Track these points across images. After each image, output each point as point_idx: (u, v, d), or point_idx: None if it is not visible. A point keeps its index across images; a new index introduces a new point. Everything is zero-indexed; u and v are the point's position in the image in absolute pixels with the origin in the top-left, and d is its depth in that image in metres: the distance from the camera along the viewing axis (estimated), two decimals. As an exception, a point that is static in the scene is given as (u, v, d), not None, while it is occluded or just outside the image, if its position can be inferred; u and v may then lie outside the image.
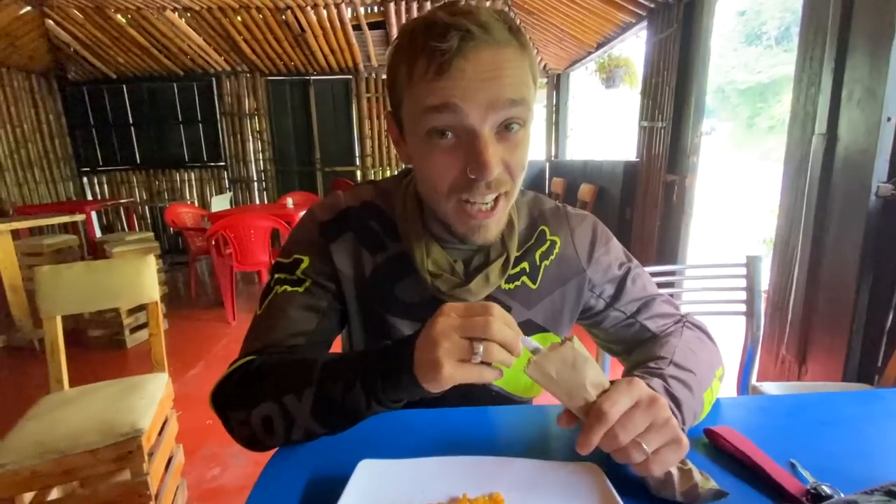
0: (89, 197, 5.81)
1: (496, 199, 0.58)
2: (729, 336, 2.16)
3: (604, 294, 0.73)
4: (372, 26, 4.90)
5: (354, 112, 5.77)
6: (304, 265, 0.66)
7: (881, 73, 1.55)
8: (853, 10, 1.68)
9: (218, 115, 5.69)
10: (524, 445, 0.56)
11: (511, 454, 0.52)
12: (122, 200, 5.47)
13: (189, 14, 4.67)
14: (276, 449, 0.56)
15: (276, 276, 0.67)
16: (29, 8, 4.37)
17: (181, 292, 4.41)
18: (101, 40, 4.94)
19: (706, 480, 0.45)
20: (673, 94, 3.13)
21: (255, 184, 5.90)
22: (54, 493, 1.27)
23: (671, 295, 1.26)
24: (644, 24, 3.53)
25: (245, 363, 0.60)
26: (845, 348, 1.73)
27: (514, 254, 0.67)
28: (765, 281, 1.27)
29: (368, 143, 5.82)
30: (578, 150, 6.44)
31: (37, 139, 5.29)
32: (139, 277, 1.54)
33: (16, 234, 3.13)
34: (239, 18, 4.72)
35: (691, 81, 2.99)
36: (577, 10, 3.95)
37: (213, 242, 3.36)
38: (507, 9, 4.62)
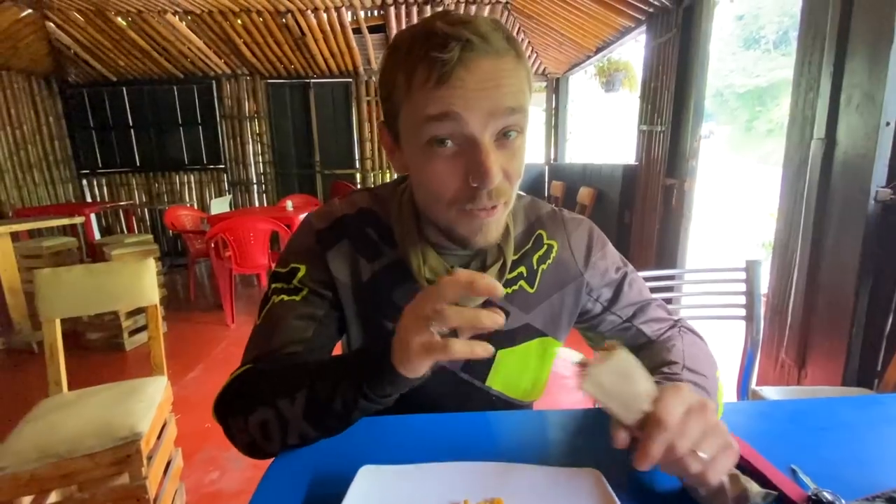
0: (88, 199, 5.80)
1: (496, 204, 0.58)
2: (728, 340, 2.17)
3: (601, 298, 0.73)
4: (372, 30, 4.92)
5: (354, 115, 5.78)
6: (300, 274, 0.66)
7: (880, 77, 1.56)
8: (852, 14, 1.68)
9: (218, 118, 5.69)
10: (525, 451, 0.56)
11: (512, 460, 0.52)
12: (122, 203, 5.47)
13: (189, 17, 4.68)
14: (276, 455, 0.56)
15: (274, 285, 0.67)
16: (30, 10, 4.38)
17: (180, 295, 4.40)
18: (101, 43, 4.95)
19: (752, 484, 0.44)
20: (672, 98, 3.14)
21: (255, 186, 5.90)
22: (53, 497, 1.27)
23: (670, 300, 1.27)
24: (643, 28, 3.54)
25: (243, 372, 0.61)
26: (845, 352, 1.73)
27: (510, 258, 0.67)
28: (764, 285, 1.27)
29: (368, 146, 5.83)
30: (578, 153, 6.45)
31: (37, 141, 5.29)
32: (139, 280, 1.53)
33: (15, 237, 3.13)
34: (239, 22, 4.73)
35: (690, 85, 3.00)
36: (576, 15, 3.96)
37: (213, 245, 3.36)
38: (506, 13, 4.63)
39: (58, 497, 1.29)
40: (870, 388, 1.60)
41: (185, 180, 5.89)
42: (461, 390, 0.70)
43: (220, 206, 5.11)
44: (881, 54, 1.56)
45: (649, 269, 1.23)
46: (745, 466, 0.50)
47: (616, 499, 0.44)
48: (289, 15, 4.59)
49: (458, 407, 0.67)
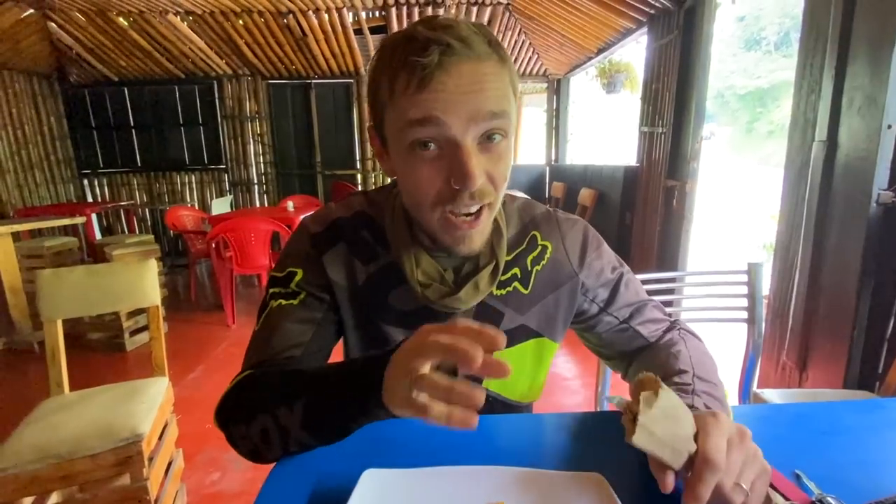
0: (90, 199, 5.80)
1: (479, 210, 0.58)
2: (729, 343, 2.17)
3: (597, 298, 0.73)
4: (373, 30, 4.92)
5: (355, 116, 5.78)
6: (297, 278, 0.66)
7: (882, 80, 1.56)
8: (854, 16, 1.68)
9: (219, 118, 5.69)
10: (528, 454, 0.56)
11: (515, 463, 0.51)
12: (123, 203, 5.47)
13: (191, 17, 4.68)
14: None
15: (272, 290, 0.67)
16: (32, 11, 4.38)
17: (181, 295, 4.40)
18: (103, 43, 4.95)
19: (777, 496, 0.44)
20: (673, 99, 3.14)
21: (256, 187, 5.90)
22: (53, 498, 1.27)
23: (671, 302, 1.27)
24: (644, 29, 3.54)
25: (243, 378, 0.61)
26: (846, 355, 1.73)
27: (503, 260, 0.67)
28: (765, 287, 1.27)
29: (369, 146, 5.82)
30: (579, 154, 6.45)
31: (38, 141, 5.29)
32: (141, 281, 1.53)
33: (16, 236, 3.13)
34: (241, 22, 4.73)
35: (692, 87, 3.00)
36: (577, 16, 3.96)
37: (214, 245, 3.36)
38: (507, 14, 4.64)
39: (59, 498, 1.29)
40: (871, 392, 1.60)
41: (186, 180, 5.89)
42: None
43: (221, 206, 5.11)
44: (883, 57, 1.56)
45: (650, 272, 1.23)
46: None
47: (620, 503, 0.44)
48: (290, 15, 4.60)
49: None
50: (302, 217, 0.73)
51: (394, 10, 4.47)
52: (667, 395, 0.45)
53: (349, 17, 4.68)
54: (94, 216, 4.83)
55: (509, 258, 0.69)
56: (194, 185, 5.91)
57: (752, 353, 1.27)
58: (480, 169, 0.54)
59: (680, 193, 3.12)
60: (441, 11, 4.45)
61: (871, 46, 1.61)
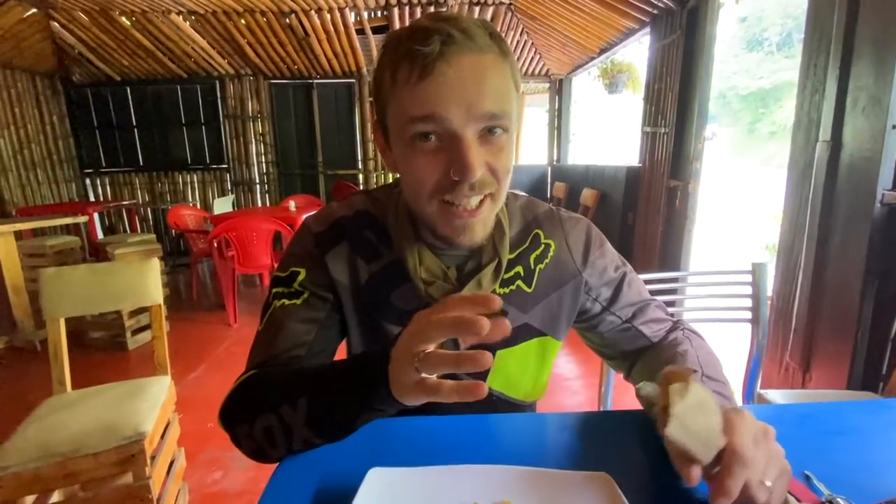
0: (92, 198, 5.82)
1: (481, 201, 0.58)
2: (731, 343, 2.16)
3: (600, 297, 0.73)
4: (375, 30, 4.92)
5: (357, 116, 5.79)
6: (300, 277, 0.66)
7: (886, 80, 1.55)
8: (858, 16, 1.68)
9: (221, 118, 5.70)
10: (534, 454, 0.56)
11: (521, 463, 0.51)
12: (125, 202, 5.48)
13: (193, 17, 4.69)
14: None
15: (275, 290, 0.67)
16: (34, 10, 4.39)
17: (182, 294, 4.40)
18: (105, 43, 4.96)
19: (792, 499, 0.44)
20: (676, 99, 3.13)
21: (258, 186, 5.91)
22: (55, 497, 1.27)
23: (674, 302, 1.26)
24: (647, 29, 3.54)
25: (247, 378, 0.61)
26: (850, 356, 1.72)
27: (506, 258, 0.67)
28: (768, 288, 1.27)
29: (371, 146, 5.83)
30: (581, 154, 6.44)
31: (40, 140, 5.30)
32: (143, 280, 1.53)
33: (18, 235, 3.13)
34: (243, 22, 4.74)
35: (694, 87, 2.99)
36: (580, 16, 3.96)
37: (215, 245, 3.36)
38: (510, 14, 4.63)
39: (60, 496, 1.29)
40: (875, 393, 1.60)
41: (188, 180, 5.90)
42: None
43: (222, 205, 5.12)
44: (888, 57, 1.55)
45: (653, 272, 1.23)
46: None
47: (627, 502, 0.44)
48: (292, 15, 4.60)
49: (459, 409, 0.66)
50: (304, 217, 0.73)
51: (396, 9, 4.47)
52: (698, 387, 0.44)
53: (351, 17, 4.68)
54: (96, 215, 4.83)
55: (512, 256, 0.69)
56: (196, 185, 5.92)
57: (756, 353, 1.26)
58: (480, 161, 0.54)
59: (682, 194, 3.11)
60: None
61: (876, 46, 1.61)
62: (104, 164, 5.77)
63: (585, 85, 5.98)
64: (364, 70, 5.53)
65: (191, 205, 5.72)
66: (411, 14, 4.52)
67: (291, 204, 4.28)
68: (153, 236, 3.68)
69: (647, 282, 1.01)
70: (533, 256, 0.70)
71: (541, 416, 0.69)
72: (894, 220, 1.60)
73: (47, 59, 5.10)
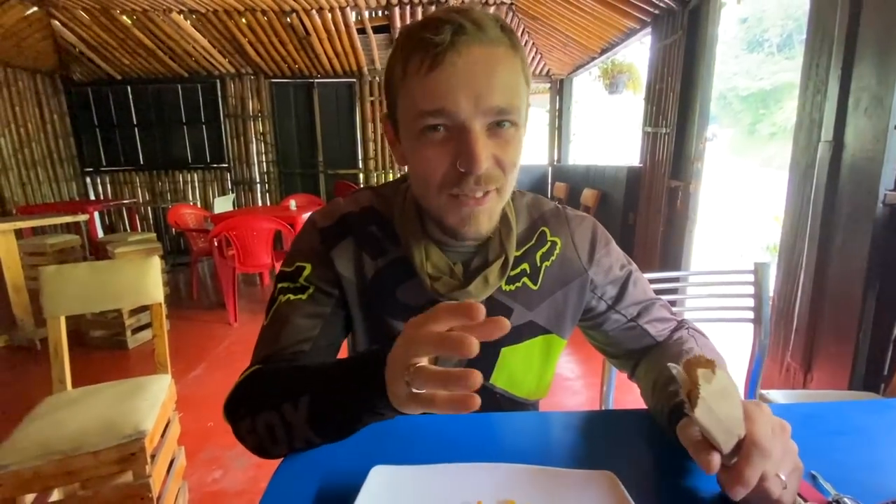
0: (92, 197, 5.82)
1: (487, 192, 0.58)
2: (733, 343, 2.16)
3: (605, 296, 0.73)
4: (376, 30, 4.92)
5: (358, 115, 5.79)
6: (306, 272, 0.66)
7: (889, 81, 1.55)
8: (860, 17, 1.68)
9: (222, 117, 5.70)
10: (538, 452, 0.55)
11: (525, 461, 0.51)
12: (125, 201, 5.48)
13: (194, 16, 4.69)
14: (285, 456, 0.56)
15: (280, 285, 0.67)
16: (35, 8, 4.39)
17: (182, 293, 4.40)
18: (106, 41, 4.96)
19: (803, 500, 0.44)
20: (677, 99, 3.13)
21: (258, 186, 5.91)
22: (55, 495, 1.27)
23: (676, 302, 1.26)
24: (648, 30, 3.54)
25: (251, 373, 0.61)
26: (851, 356, 1.72)
27: (512, 255, 0.67)
28: (770, 288, 1.27)
29: (371, 146, 5.83)
30: (581, 154, 6.44)
31: (41, 139, 5.30)
32: (144, 279, 1.53)
33: (19, 234, 3.13)
34: (244, 21, 4.74)
35: (696, 88, 2.99)
36: (581, 16, 3.96)
37: (216, 244, 3.36)
38: (511, 14, 4.63)
39: (60, 495, 1.29)
40: (876, 393, 1.59)
41: (189, 179, 5.90)
42: None
43: (223, 204, 5.12)
44: (890, 57, 1.55)
45: (654, 272, 1.22)
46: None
47: (631, 501, 0.44)
48: (293, 14, 4.60)
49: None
50: (310, 213, 0.73)
51: (397, 9, 4.47)
52: (723, 374, 0.43)
53: (352, 17, 4.68)
54: (96, 214, 4.84)
55: (518, 254, 0.69)
56: (197, 184, 5.92)
57: (757, 353, 1.26)
58: (487, 153, 0.54)
59: (683, 194, 3.11)
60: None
61: (878, 47, 1.60)
62: (105, 163, 5.77)
63: (586, 85, 5.99)
64: (365, 70, 5.53)
65: (191, 204, 5.72)
66: (412, 13, 4.52)
67: (292, 203, 4.28)
68: (153, 235, 3.68)
69: (650, 281, 1.01)
70: (539, 254, 0.70)
71: (544, 414, 0.69)
72: (896, 221, 1.60)
73: (48, 57, 5.10)
